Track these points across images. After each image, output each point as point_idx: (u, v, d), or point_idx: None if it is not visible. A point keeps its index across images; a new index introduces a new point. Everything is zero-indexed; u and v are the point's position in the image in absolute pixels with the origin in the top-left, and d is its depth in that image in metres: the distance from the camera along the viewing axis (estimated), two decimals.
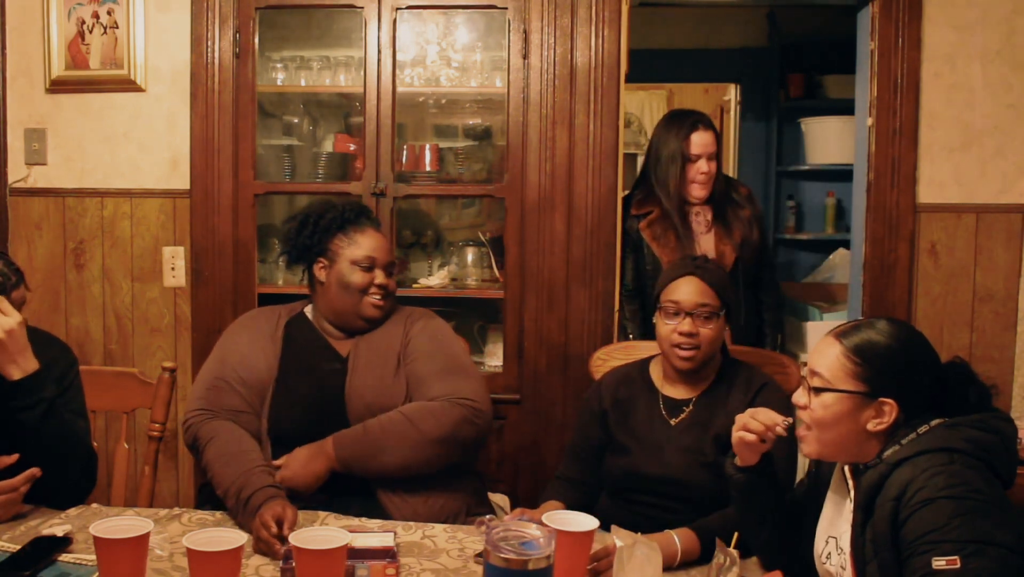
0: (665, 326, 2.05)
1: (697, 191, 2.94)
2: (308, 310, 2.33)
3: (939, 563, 1.34)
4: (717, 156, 2.96)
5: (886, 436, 1.53)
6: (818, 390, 1.55)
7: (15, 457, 1.90)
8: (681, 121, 2.97)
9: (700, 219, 2.97)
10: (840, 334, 1.57)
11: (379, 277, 2.24)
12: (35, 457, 1.91)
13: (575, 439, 2.20)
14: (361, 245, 2.24)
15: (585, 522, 1.61)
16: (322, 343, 2.25)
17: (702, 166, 2.92)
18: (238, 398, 2.14)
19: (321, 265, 2.26)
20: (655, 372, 2.16)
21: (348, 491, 2.05)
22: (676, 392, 2.11)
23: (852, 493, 1.56)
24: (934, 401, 1.54)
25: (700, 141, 2.93)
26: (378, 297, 2.23)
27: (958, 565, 1.33)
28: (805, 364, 1.64)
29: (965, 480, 1.40)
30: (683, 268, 2.09)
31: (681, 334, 2.01)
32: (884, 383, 1.52)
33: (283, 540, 1.74)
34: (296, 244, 2.28)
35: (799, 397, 1.60)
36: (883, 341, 1.54)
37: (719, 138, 2.99)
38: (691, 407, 2.07)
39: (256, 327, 2.27)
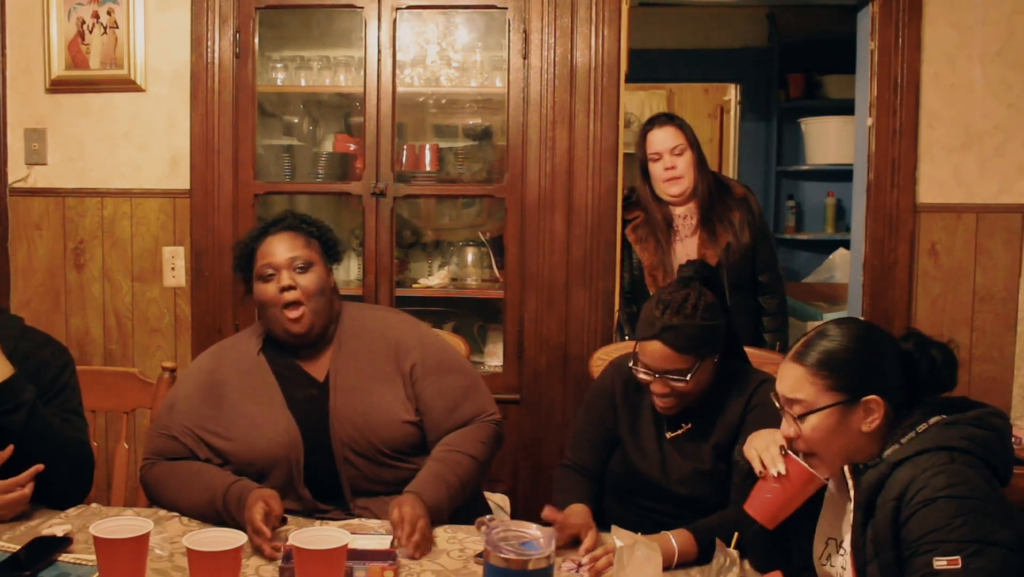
0: (643, 379, 1.97)
1: (671, 188, 2.93)
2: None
3: (940, 563, 1.34)
4: (698, 152, 2.95)
5: (884, 432, 1.52)
6: (802, 416, 1.54)
7: (10, 449, 1.90)
8: (644, 126, 3.02)
9: (687, 222, 2.96)
10: (797, 355, 1.56)
11: (283, 279, 2.02)
12: (25, 460, 1.90)
13: (586, 424, 2.13)
14: (259, 257, 2.07)
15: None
16: (294, 369, 2.09)
17: (666, 162, 2.92)
18: (185, 449, 2.02)
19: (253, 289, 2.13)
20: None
21: (324, 497, 2.01)
22: None
23: (852, 493, 1.56)
24: (909, 379, 1.54)
25: (657, 139, 2.95)
26: (292, 303, 2.02)
27: (959, 565, 1.33)
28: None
29: (966, 479, 1.40)
30: (650, 329, 1.92)
31: (654, 393, 1.96)
32: (858, 383, 1.52)
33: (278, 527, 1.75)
34: (236, 273, 2.18)
35: (785, 429, 1.58)
36: (840, 345, 1.54)
37: (689, 133, 2.96)
38: (690, 419, 2.01)
39: (254, 386, 2.06)
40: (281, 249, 2.06)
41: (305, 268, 2.06)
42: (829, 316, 4.29)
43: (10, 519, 1.87)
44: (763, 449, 1.64)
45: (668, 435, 2.02)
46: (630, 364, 1.99)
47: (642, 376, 1.96)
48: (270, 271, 2.05)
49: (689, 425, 2.00)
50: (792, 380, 1.56)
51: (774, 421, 1.93)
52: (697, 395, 1.97)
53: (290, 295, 2.03)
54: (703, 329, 1.91)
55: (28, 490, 1.88)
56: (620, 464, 2.07)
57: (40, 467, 1.90)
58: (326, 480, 2.01)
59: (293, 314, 2.04)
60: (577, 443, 2.14)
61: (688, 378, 1.91)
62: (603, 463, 2.10)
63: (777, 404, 1.60)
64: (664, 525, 1.82)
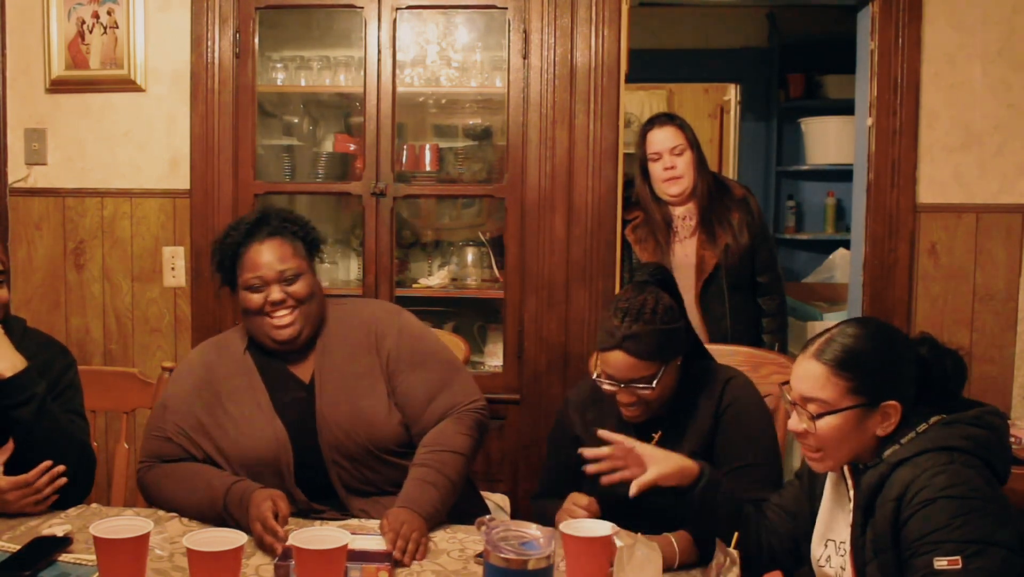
0: (607, 390, 1.93)
1: (670, 188, 2.94)
2: None
3: (941, 563, 1.34)
4: (697, 153, 2.96)
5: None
6: (819, 416, 1.52)
7: (10, 446, 1.90)
8: (644, 125, 3.03)
9: (686, 223, 2.97)
10: (818, 352, 1.53)
11: (273, 293, 2.00)
12: (30, 456, 1.91)
13: (551, 465, 2.12)
14: (247, 266, 2.03)
15: (600, 528, 1.60)
16: (280, 370, 2.07)
17: (666, 162, 2.93)
18: (180, 450, 2.01)
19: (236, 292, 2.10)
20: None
21: (318, 497, 2.00)
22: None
23: (852, 493, 1.56)
24: (920, 384, 1.53)
25: (656, 138, 2.95)
26: (281, 315, 2.01)
27: (960, 565, 1.33)
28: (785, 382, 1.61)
29: (966, 479, 1.40)
30: (610, 339, 1.88)
31: (621, 403, 1.92)
32: (880, 388, 1.51)
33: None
34: (216, 275, 2.13)
35: (796, 425, 1.56)
36: (863, 346, 1.52)
37: (689, 133, 2.97)
38: (659, 432, 1.94)
39: (243, 389, 2.04)
40: (270, 260, 2.02)
41: (294, 278, 2.04)
42: (829, 316, 4.29)
43: (37, 513, 1.90)
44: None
45: None
46: (593, 375, 1.95)
47: (607, 387, 1.91)
48: (258, 283, 2.02)
49: (660, 433, 1.95)
50: (812, 378, 1.53)
51: (746, 422, 1.91)
52: (664, 400, 1.94)
53: (282, 308, 2.02)
54: (664, 333, 1.88)
55: (40, 483, 1.90)
56: (594, 487, 1.97)
57: (49, 463, 1.91)
58: (317, 481, 2.00)
59: (281, 321, 2.02)
60: (547, 482, 2.11)
61: (654, 384, 1.87)
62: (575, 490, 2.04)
63: (787, 398, 1.58)
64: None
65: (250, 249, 2.05)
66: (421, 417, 2.04)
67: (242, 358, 2.09)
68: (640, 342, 1.85)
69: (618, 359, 1.87)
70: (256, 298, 2.02)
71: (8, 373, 1.90)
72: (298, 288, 2.03)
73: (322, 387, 2.03)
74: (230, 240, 2.08)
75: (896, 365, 1.53)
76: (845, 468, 1.59)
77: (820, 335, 1.58)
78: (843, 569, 1.56)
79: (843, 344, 1.52)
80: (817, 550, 1.65)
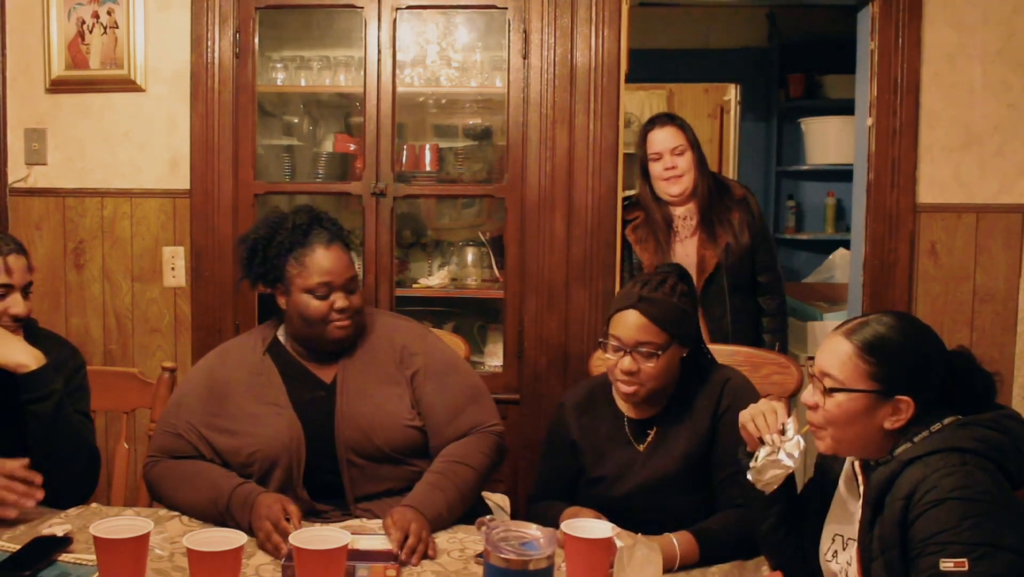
0: (608, 360, 1.96)
1: (670, 188, 2.95)
2: (281, 333, 2.14)
3: (947, 565, 1.33)
4: (698, 153, 2.97)
5: (900, 432, 1.52)
6: (831, 391, 1.53)
7: (26, 462, 1.91)
8: (645, 125, 3.03)
9: (686, 223, 2.97)
10: (849, 332, 1.55)
11: (339, 301, 2.01)
12: (44, 453, 1.92)
13: (547, 469, 2.12)
14: (312, 270, 2.01)
15: (601, 528, 1.60)
16: (301, 371, 2.09)
17: (666, 162, 2.94)
18: (190, 447, 2.02)
19: (280, 291, 2.07)
20: (618, 392, 2.05)
21: (323, 497, 2.00)
22: (640, 412, 2.01)
23: (862, 489, 1.56)
24: (944, 393, 1.53)
25: (657, 138, 2.96)
26: (341, 322, 2.03)
27: (966, 568, 1.32)
28: (811, 358, 1.62)
29: (976, 482, 1.39)
30: (627, 299, 1.94)
31: (622, 372, 1.92)
32: (898, 381, 1.50)
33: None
34: (251, 272, 2.09)
35: (809, 397, 1.58)
36: (894, 337, 1.52)
37: (690, 133, 2.97)
38: (655, 429, 1.99)
39: (256, 384, 2.06)
40: (339, 267, 2.03)
41: (355, 289, 2.07)
42: (829, 316, 4.29)
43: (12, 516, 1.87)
44: (759, 420, 1.65)
45: (640, 447, 1.99)
46: (599, 340, 1.98)
47: (610, 355, 1.94)
48: (325, 290, 2.01)
49: (656, 430, 1.98)
50: (835, 354, 1.54)
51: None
52: (660, 389, 1.95)
53: (344, 316, 2.03)
54: (679, 309, 1.93)
55: (17, 476, 1.88)
56: (592, 494, 2.01)
57: (27, 462, 1.89)
58: (326, 481, 2.00)
59: (341, 324, 2.03)
60: (543, 486, 2.12)
61: (660, 354, 1.90)
62: (571, 499, 2.04)
63: (809, 370, 1.60)
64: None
65: (315, 252, 2.03)
66: (443, 431, 2.06)
67: (261, 359, 2.10)
68: (656, 306, 1.91)
69: (631, 319, 1.91)
70: (322, 305, 2.02)
71: (33, 365, 1.92)
72: (357, 299, 2.06)
73: (344, 386, 2.05)
74: (280, 239, 2.05)
75: (921, 365, 1.52)
76: (856, 464, 1.59)
77: (856, 318, 1.60)
78: (849, 564, 1.56)
79: (876, 330, 1.53)
80: (824, 544, 1.65)
